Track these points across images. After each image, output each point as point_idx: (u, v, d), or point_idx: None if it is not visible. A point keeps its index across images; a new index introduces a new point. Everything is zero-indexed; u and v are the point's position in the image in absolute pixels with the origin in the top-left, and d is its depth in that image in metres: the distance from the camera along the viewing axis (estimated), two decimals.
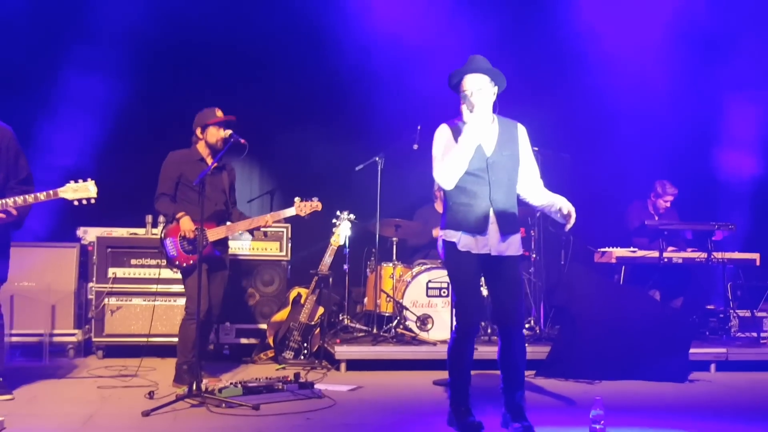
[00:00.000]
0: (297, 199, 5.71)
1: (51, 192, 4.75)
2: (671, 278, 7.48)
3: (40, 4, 7.51)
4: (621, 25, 8.52)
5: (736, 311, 7.42)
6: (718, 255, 7.30)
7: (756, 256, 7.50)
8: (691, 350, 6.16)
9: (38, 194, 4.76)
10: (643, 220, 7.69)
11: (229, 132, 5.26)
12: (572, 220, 4.13)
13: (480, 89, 4.02)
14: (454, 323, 4.21)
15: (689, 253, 7.43)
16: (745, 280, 7.68)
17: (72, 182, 4.76)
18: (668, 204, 7.92)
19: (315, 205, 5.71)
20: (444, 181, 4.04)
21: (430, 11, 8.01)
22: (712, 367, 6.41)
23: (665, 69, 8.57)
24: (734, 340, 7.15)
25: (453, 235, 4.07)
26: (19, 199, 4.71)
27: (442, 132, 4.14)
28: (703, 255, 7.31)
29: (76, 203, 4.77)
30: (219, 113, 5.44)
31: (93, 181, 4.77)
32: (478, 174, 4.03)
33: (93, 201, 4.78)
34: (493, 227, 4.04)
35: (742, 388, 5.76)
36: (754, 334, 7.25)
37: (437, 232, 7.21)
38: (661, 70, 8.57)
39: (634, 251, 7.41)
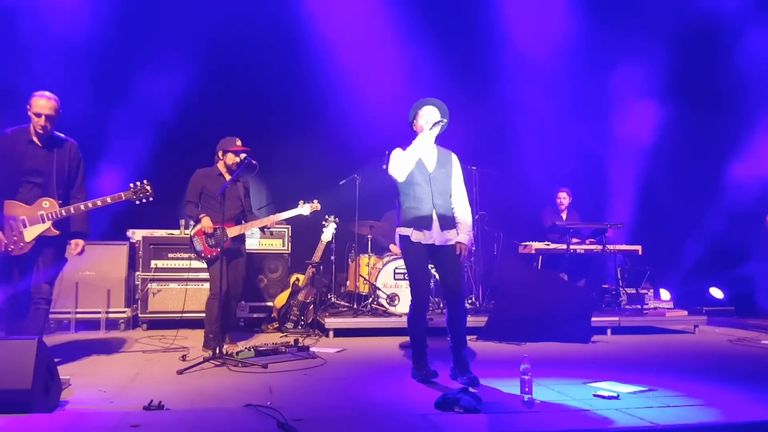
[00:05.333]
0: (301, 202, 5.62)
1: (116, 195, 4.29)
2: (576, 264, 7.46)
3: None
4: (534, 67, 8.53)
5: (625, 289, 7.45)
6: (611, 247, 7.32)
7: (638, 247, 7.52)
8: (593, 319, 6.15)
9: (105, 198, 4.27)
10: (554, 221, 7.73)
11: (243, 155, 5.15)
12: (463, 254, 4.09)
13: (432, 113, 4.17)
14: (410, 299, 4.14)
15: (589, 246, 7.42)
16: (631, 266, 7.70)
17: (131, 185, 4.35)
18: (564, 200, 7.91)
19: (315, 205, 5.65)
20: (396, 174, 4.08)
21: (391, 74, 7.93)
22: (608, 331, 6.42)
23: (566, 97, 8.60)
24: (624, 311, 7.17)
25: (406, 231, 4.08)
26: (90, 204, 4.25)
27: (397, 150, 4.17)
28: (599, 247, 7.30)
29: (137, 202, 4.35)
30: (238, 142, 5.29)
31: (147, 182, 4.37)
32: (422, 184, 4.08)
33: (151, 198, 4.36)
34: (435, 224, 4.06)
35: (630, 346, 5.74)
36: (638, 306, 7.28)
37: (396, 249, 7.15)
38: (561, 99, 8.58)
39: (548, 244, 7.41)
